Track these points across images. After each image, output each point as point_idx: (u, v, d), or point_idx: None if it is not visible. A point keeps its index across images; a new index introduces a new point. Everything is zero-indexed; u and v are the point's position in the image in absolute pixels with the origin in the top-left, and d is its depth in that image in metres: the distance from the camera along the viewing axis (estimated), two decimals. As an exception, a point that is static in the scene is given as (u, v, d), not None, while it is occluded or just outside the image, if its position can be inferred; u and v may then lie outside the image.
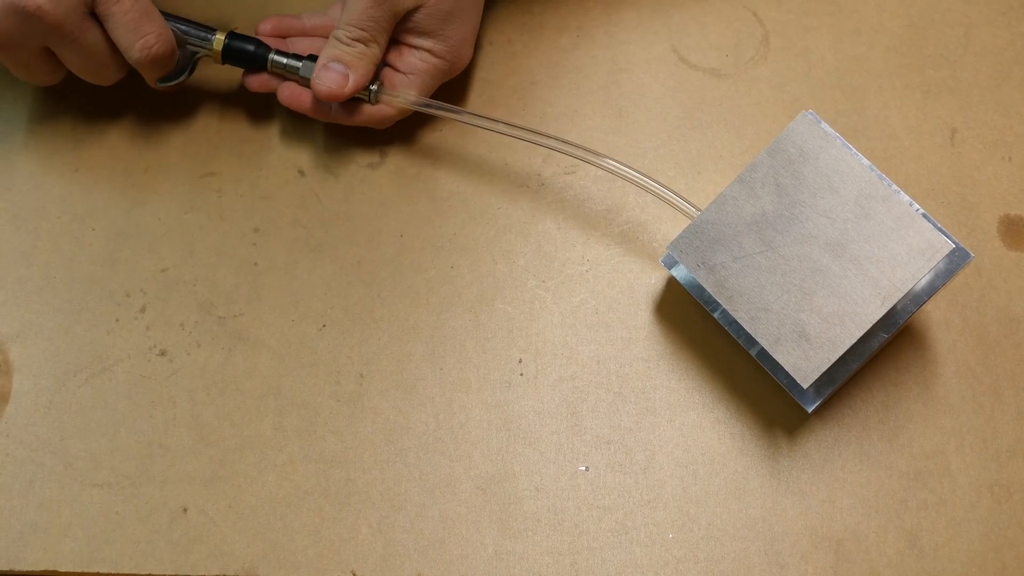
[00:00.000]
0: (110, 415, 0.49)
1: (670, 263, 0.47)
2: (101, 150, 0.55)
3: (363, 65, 0.50)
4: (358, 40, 0.49)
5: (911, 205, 0.43)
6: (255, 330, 0.50)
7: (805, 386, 0.43)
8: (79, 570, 0.46)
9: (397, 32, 0.51)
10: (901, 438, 0.48)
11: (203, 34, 0.52)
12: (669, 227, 0.52)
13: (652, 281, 0.51)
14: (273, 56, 0.52)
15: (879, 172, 0.44)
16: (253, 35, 0.53)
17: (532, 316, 0.50)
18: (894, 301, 0.42)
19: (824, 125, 0.44)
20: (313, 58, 0.51)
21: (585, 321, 0.50)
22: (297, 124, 0.55)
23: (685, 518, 0.46)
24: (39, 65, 0.49)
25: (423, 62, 0.51)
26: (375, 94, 0.51)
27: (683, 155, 0.54)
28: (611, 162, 0.48)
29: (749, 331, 0.43)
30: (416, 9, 0.50)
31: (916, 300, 0.45)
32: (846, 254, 0.43)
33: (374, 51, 0.50)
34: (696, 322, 0.50)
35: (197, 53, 0.52)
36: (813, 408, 0.45)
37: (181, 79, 0.52)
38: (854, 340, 0.42)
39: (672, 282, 0.51)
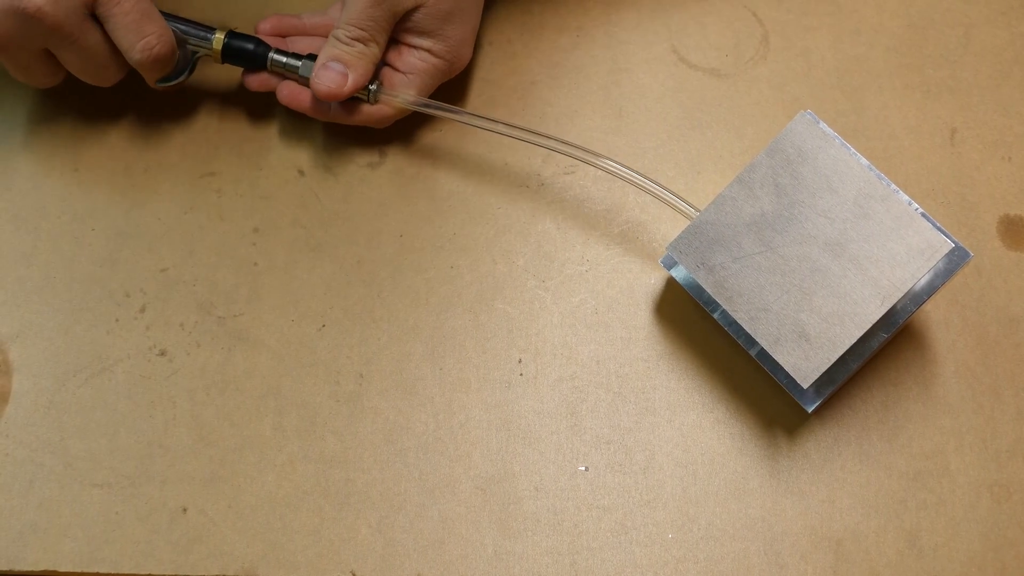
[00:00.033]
0: (110, 415, 0.49)
1: (669, 263, 0.47)
2: (101, 150, 0.55)
3: (362, 65, 0.50)
4: (357, 39, 0.49)
5: (910, 205, 0.43)
6: (255, 330, 0.50)
7: (805, 386, 0.43)
8: (79, 570, 0.46)
9: (397, 32, 0.51)
10: (901, 438, 0.48)
11: (203, 33, 0.52)
12: (669, 227, 0.52)
13: (652, 281, 0.51)
14: (273, 55, 0.52)
15: (878, 172, 0.44)
16: (253, 34, 0.53)
17: (532, 316, 0.50)
18: (894, 301, 0.42)
19: (823, 125, 0.44)
20: (313, 57, 0.51)
21: (585, 321, 0.50)
22: (297, 124, 0.55)
23: (685, 518, 0.46)
24: (39, 67, 0.49)
25: (422, 62, 0.51)
26: (374, 94, 0.51)
27: (683, 155, 0.54)
28: (610, 163, 0.48)
29: (749, 331, 0.43)
30: (415, 9, 0.50)
31: (916, 300, 0.45)
32: (845, 254, 0.43)
33: (373, 51, 0.50)
34: (696, 322, 0.50)
35: (197, 53, 0.52)
36: (813, 408, 0.45)
37: (181, 79, 0.52)
38: (854, 340, 0.42)
39: (672, 282, 0.51)
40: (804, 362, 0.43)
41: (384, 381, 0.49)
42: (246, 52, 0.52)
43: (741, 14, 0.57)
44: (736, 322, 0.44)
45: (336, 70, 0.50)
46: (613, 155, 0.49)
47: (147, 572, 0.46)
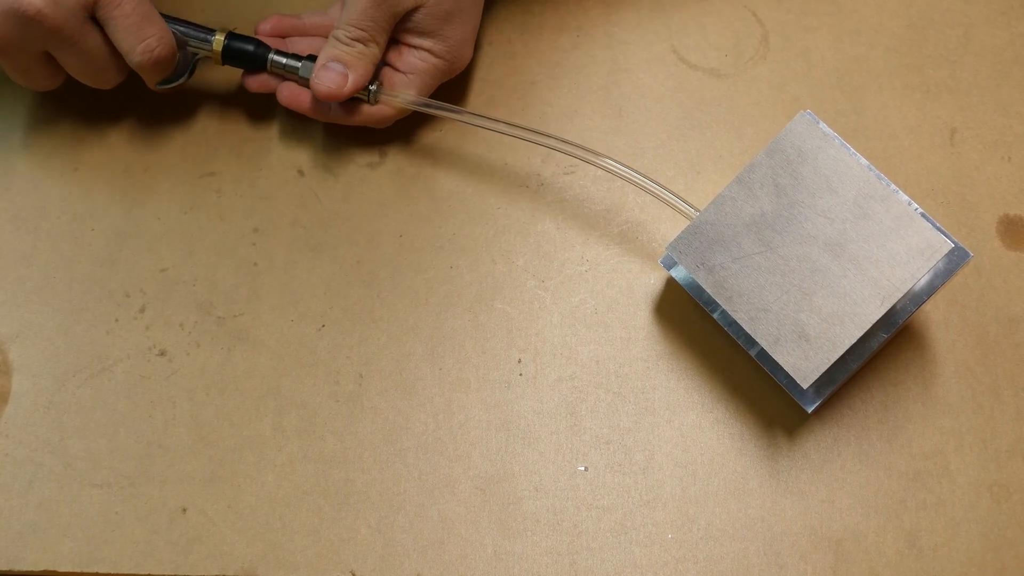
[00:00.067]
0: (109, 415, 0.49)
1: (669, 264, 0.47)
2: (101, 150, 0.55)
3: (362, 65, 0.50)
4: (357, 40, 0.49)
5: (910, 205, 0.43)
6: (254, 330, 0.50)
7: (805, 386, 0.43)
8: (78, 570, 0.46)
9: (397, 32, 0.51)
10: (900, 438, 0.48)
11: (202, 35, 0.52)
12: (668, 227, 0.52)
13: (651, 281, 0.51)
14: (272, 56, 0.52)
15: (878, 172, 0.44)
16: (253, 35, 0.53)
17: (531, 316, 0.50)
18: (894, 301, 0.42)
19: (822, 125, 0.44)
20: (313, 58, 0.51)
21: (584, 321, 0.50)
22: (296, 124, 0.55)
23: (684, 518, 0.46)
24: (39, 70, 0.49)
25: (423, 62, 0.51)
26: (374, 94, 0.51)
27: (682, 155, 0.54)
28: (610, 162, 0.48)
29: (749, 331, 0.43)
30: (416, 9, 0.50)
31: (915, 300, 0.45)
32: (845, 254, 0.43)
33: (373, 51, 0.50)
34: (695, 322, 0.50)
35: (197, 54, 0.52)
36: (813, 408, 0.45)
37: (181, 81, 0.52)
38: (854, 340, 0.42)
39: (671, 282, 0.51)
40: (804, 362, 0.43)
41: (384, 381, 0.49)
42: (246, 53, 0.52)
43: (741, 14, 0.57)
44: (736, 322, 0.44)
45: (336, 70, 0.50)
46: (613, 155, 0.49)
47: (147, 572, 0.46)
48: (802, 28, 0.56)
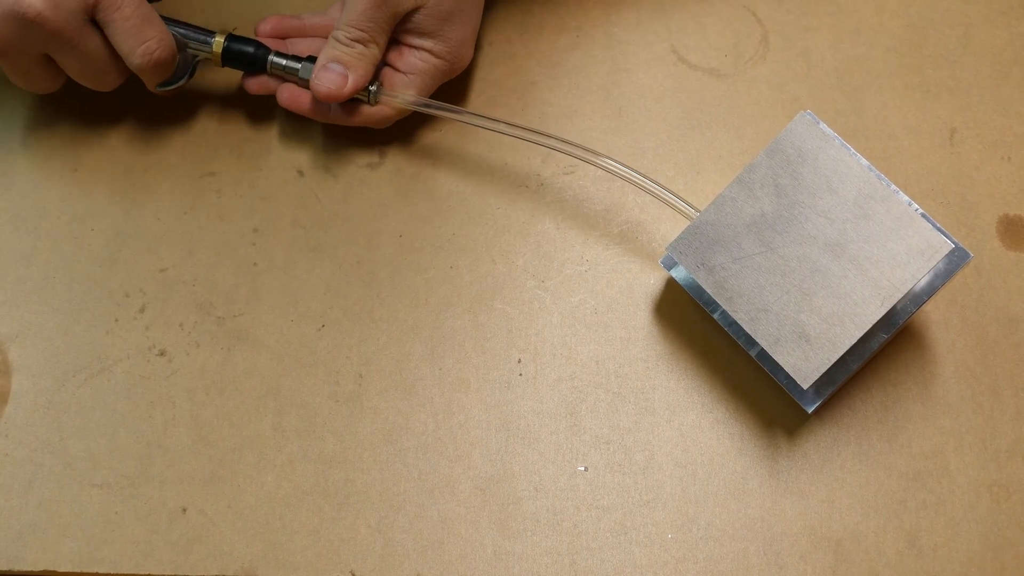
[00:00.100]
0: (109, 415, 0.49)
1: (669, 264, 0.47)
2: (101, 151, 0.55)
3: (362, 66, 0.50)
4: (357, 41, 0.49)
5: (910, 205, 0.43)
6: (254, 330, 0.50)
7: (805, 387, 0.43)
8: (78, 570, 0.46)
9: (397, 32, 0.51)
10: (900, 438, 0.48)
11: (202, 37, 0.52)
12: (668, 227, 0.52)
13: (651, 281, 0.51)
14: (272, 58, 0.52)
15: (878, 172, 0.44)
16: (252, 36, 0.53)
17: (531, 316, 0.50)
18: (894, 301, 0.42)
19: (822, 125, 0.44)
20: (312, 59, 0.51)
21: (584, 321, 0.50)
22: (296, 125, 0.55)
23: (684, 518, 0.46)
24: (39, 72, 0.49)
25: (423, 62, 0.51)
26: (374, 95, 0.51)
27: (682, 155, 0.54)
28: (610, 162, 0.48)
29: (749, 332, 0.43)
30: (416, 10, 0.50)
31: (915, 300, 0.45)
32: (845, 254, 0.43)
33: (373, 52, 0.50)
34: (695, 322, 0.50)
35: (197, 56, 0.52)
36: (813, 409, 0.45)
37: (181, 83, 0.52)
38: (854, 341, 0.42)
39: (671, 282, 0.51)
40: (804, 363, 0.43)
41: (383, 381, 0.49)
42: (246, 55, 0.52)
43: (741, 14, 0.57)
44: (736, 322, 0.44)
45: (336, 71, 0.50)
46: (613, 155, 0.49)
47: (146, 572, 0.46)
48: (802, 28, 0.56)
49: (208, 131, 0.55)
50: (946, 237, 0.43)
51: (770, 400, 0.48)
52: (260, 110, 0.55)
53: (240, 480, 0.48)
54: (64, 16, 0.46)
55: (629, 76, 0.56)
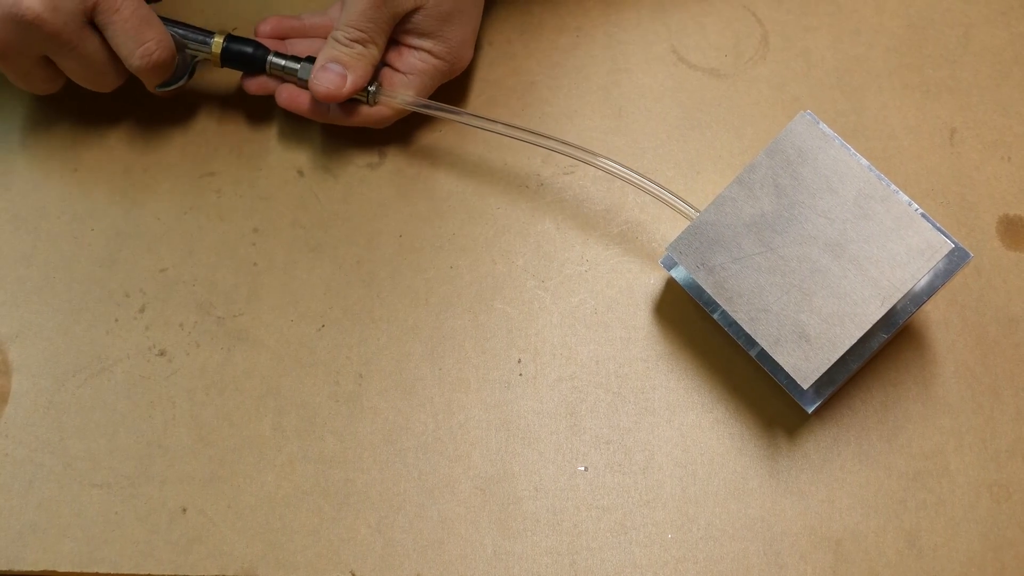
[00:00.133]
0: (109, 415, 0.49)
1: (669, 264, 0.47)
2: (100, 151, 0.55)
3: (361, 66, 0.50)
4: (356, 41, 0.49)
5: (910, 205, 0.43)
6: (254, 330, 0.50)
7: (805, 387, 0.43)
8: (78, 570, 0.46)
9: (396, 33, 0.51)
10: (900, 438, 0.48)
11: (201, 38, 0.52)
12: (668, 227, 0.52)
13: (651, 281, 0.51)
14: (271, 58, 0.52)
15: (878, 172, 0.44)
16: (252, 36, 0.53)
17: (531, 316, 0.50)
18: (894, 301, 0.42)
19: (822, 125, 0.44)
20: (311, 59, 0.51)
21: (584, 321, 0.50)
22: (296, 125, 0.55)
23: (684, 518, 0.46)
24: (39, 73, 0.49)
25: (423, 62, 0.51)
26: (373, 95, 0.51)
27: (682, 155, 0.54)
28: (610, 163, 0.48)
29: (749, 332, 0.43)
30: (416, 10, 0.50)
31: (915, 300, 0.45)
32: (845, 254, 0.43)
33: (372, 52, 0.50)
34: (695, 322, 0.50)
35: (196, 57, 0.52)
36: (813, 409, 0.45)
37: (181, 83, 0.52)
38: (854, 340, 0.42)
39: (671, 282, 0.51)
40: (804, 363, 0.43)
41: (383, 381, 0.49)
42: (245, 55, 0.52)
43: (741, 14, 0.57)
44: (736, 323, 0.44)
45: (335, 71, 0.50)
46: (613, 155, 0.49)
47: (146, 572, 0.46)
48: (802, 28, 0.56)
49: (208, 131, 0.55)
50: (946, 237, 0.43)
51: (770, 400, 0.48)
52: (259, 110, 0.55)
53: (240, 480, 0.48)
54: (63, 18, 0.46)
55: (629, 76, 0.56)
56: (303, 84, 0.51)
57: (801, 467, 0.47)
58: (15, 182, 0.54)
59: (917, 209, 0.43)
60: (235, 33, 0.52)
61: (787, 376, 0.44)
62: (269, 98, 0.54)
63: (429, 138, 0.55)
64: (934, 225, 0.43)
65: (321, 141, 0.55)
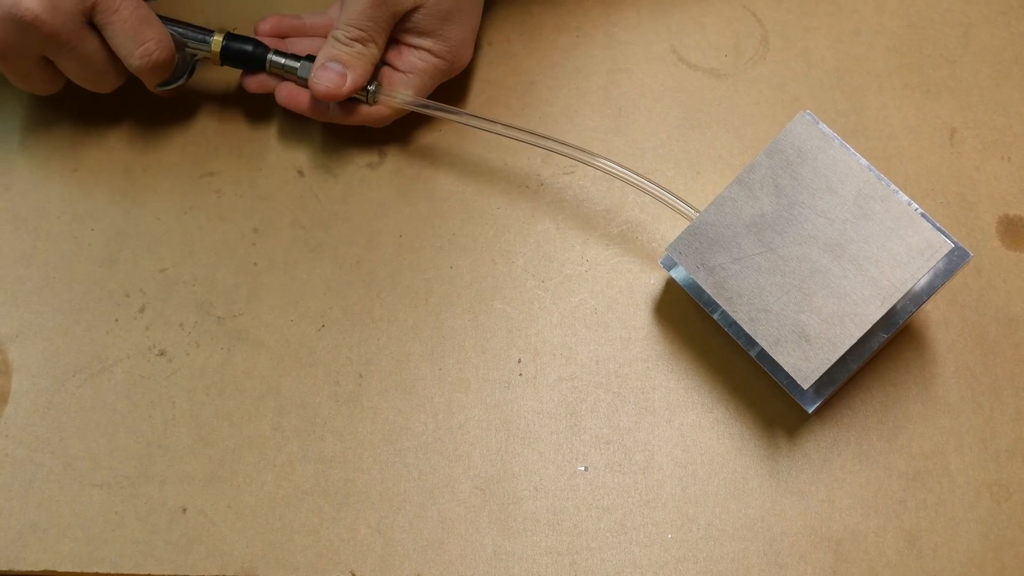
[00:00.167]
0: (109, 415, 0.49)
1: (669, 264, 0.47)
2: (100, 150, 0.55)
3: (361, 65, 0.50)
4: (356, 40, 0.49)
5: (910, 205, 0.43)
6: (254, 330, 0.50)
7: (806, 387, 0.43)
8: (78, 570, 0.46)
9: (396, 32, 0.51)
10: (900, 438, 0.48)
11: (201, 36, 0.52)
12: (668, 227, 0.52)
13: (651, 281, 0.51)
14: (271, 56, 0.52)
15: (877, 172, 0.44)
16: (251, 35, 0.53)
17: (531, 316, 0.50)
18: (894, 301, 0.42)
19: (822, 125, 0.44)
20: (311, 58, 0.51)
21: (584, 321, 0.50)
22: (296, 124, 0.55)
23: (684, 518, 0.46)
24: (38, 74, 0.49)
25: (422, 61, 0.51)
26: (373, 94, 0.51)
27: (682, 155, 0.54)
28: (609, 163, 0.48)
29: (749, 332, 0.43)
30: (415, 9, 0.50)
31: (915, 300, 0.45)
32: (845, 254, 0.43)
33: (372, 51, 0.50)
34: (695, 322, 0.50)
35: (196, 55, 0.52)
36: (813, 409, 0.45)
37: (181, 82, 0.52)
38: (854, 340, 0.42)
39: (671, 282, 0.51)
40: (804, 363, 0.43)
41: (384, 381, 0.49)
42: (244, 54, 0.52)
43: (741, 14, 0.57)
44: (736, 323, 0.44)
45: (335, 70, 0.50)
46: (612, 155, 0.49)
47: (147, 572, 0.46)
48: (802, 28, 0.56)
49: (208, 131, 0.55)
50: (946, 237, 0.43)
51: (770, 400, 0.48)
52: (259, 110, 0.55)
53: (240, 480, 0.48)
54: (62, 19, 0.46)
55: (629, 76, 0.56)
56: (303, 83, 0.51)
57: (801, 467, 0.47)
58: (15, 182, 0.54)
59: (917, 209, 0.43)
60: (234, 32, 0.52)
61: (787, 376, 0.44)
62: (269, 98, 0.54)
63: (429, 138, 0.55)
64: (934, 225, 0.43)
65: (321, 141, 0.55)
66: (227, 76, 0.56)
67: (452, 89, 0.55)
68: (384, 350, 0.50)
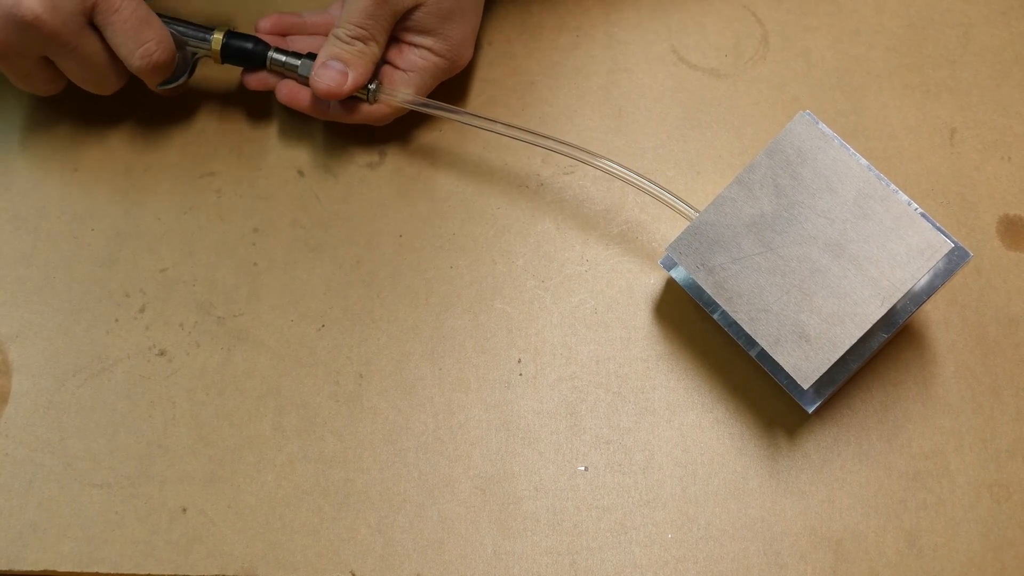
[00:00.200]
0: (109, 415, 0.49)
1: (669, 264, 0.47)
2: (100, 150, 0.55)
3: (362, 63, 0.50)
4: (357, 38, 0.49)
5: (910, 205, 0.43)
6: (254, 330, 0.50)
7: (806, 387, 0.43)
8: (78, 570, 0.46)
9: (397, 30, 0.51)
10: (900, 438, 0.48)
11: (201, 35, 0.52)
12: (668, 227, 0.52)
13: (651, 281, 0.51)
14: (272, 54, 0.52)
15: (878, 172, 0.44)
16: (252, 33, 0.53)
17: (531, 316, 0.50)
18: (894, 301, 0.42)
19: (822, 125, 0.44)
20: (312, 56, 0.51)
21: (584, 321, 0.50)
22: (296, 124, 0.55)
23: (684, 518, 0.46)
24: (39, 74, 0.49)
25: (423, 60, 0.51)
26: (373, 93, 0.51)
27: (682, 155, 0.54)
28: (609, 163, 0.48)
29: (749, 332, 0.43)
30: (416, 7, 0.50)
31: (915, 300, 0.45)
32: (845, 254, 0.43)
33: (373, 50, 0.50)
34: (695, 322, 0.50)
35: (196, 54, 0.52)
36: (813, 409, 0.45)
37: (182, 81, 0.52)
38: (854, 340, 0.42)
39: (671, 282, 0.51)
40: (804, 363, 0.43)
41: (384, 381, 0.49)
42: (245, 51, 0.52)
43: (741, 14, 0.57)
44: (736, 323, 0.44)
45: (336, 69, 0.50)
46: (612, 155, 0.49)
47: (147, 572, 0.46)
48: (802, 28, 0.56)
49: (208, 131, 0.55)
50: (946, 237, 0.43)
51: (770, 400, 0.48)
52: (260, 110, 0.55)
53: (240, 480, 0.48)
54: (62, 19, 0.46)
55: (629, 76, 0.56)
56: (303, 81, 0.51)
57: (801, 467, 0.47)
58: (15, 182, 0.54)
59: (917, 209, 0.43)
60: (234, 30, 0.52)
61: (787, 376, 0.44)
62: (269, 98, 0.54)
63: (429, 138, 0.55)
64: (934, 225, 0.43)
65: (321, 141, 0.55)
66: (227, 76, 0.56)
67: (452, 88, 0.55)
68: (384, 350, 0.50)
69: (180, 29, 0.51)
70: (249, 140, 0.55)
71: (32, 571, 0.46)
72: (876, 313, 0.42)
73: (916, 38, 0.56)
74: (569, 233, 0.52)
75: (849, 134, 0.53)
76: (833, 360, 0.42)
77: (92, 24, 0.48)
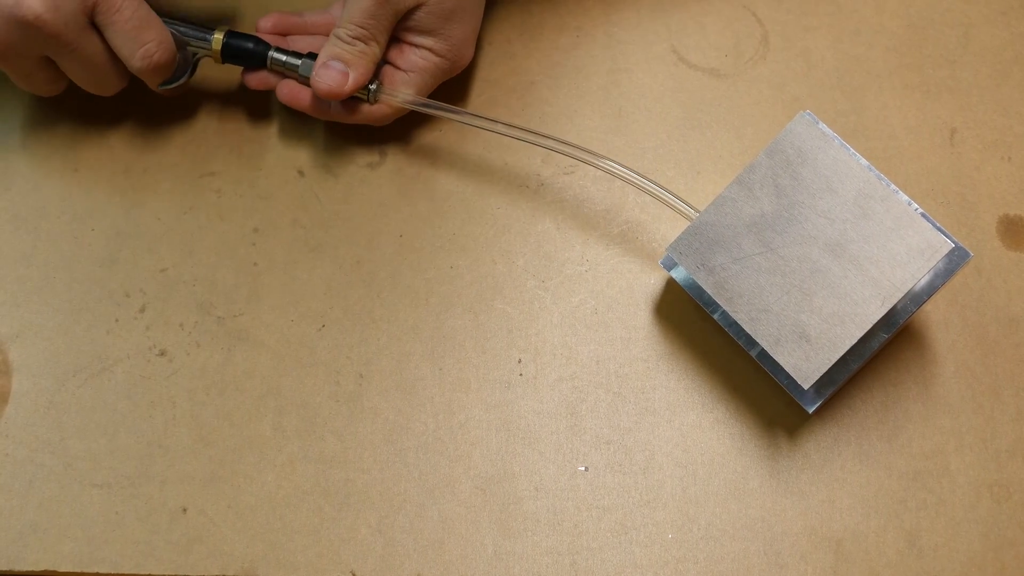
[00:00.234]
0: (109, 415, 0.49)
1: (669, 264, 0.47)
2: (100, 150, 0.55)
3: (363, 64, 0.50)
4: (358, 39, 0.49)
5: (910, 205, 0.43)
6: (254, 330, 0.50)
7: (806, 387, 0.43)
8: (79, 570, 0.46)
9: (398, 30, 0.51)
10: (900, 438, 0.48)
11: (202, 34, 0.52)
12: (668, 227, 0.52)
13: (651, 281, 0.51)
14: (272, 54, 0.52)
15: (878, 172, 0.44)
16: (253, 33, 0.53)
17: (531, 316, 0.50)
18: (894, 301, 0.42)
19: (822, 125, 0.44)
20: (313, 56, 0.51)
21: (584, 321, 0.50)
22: (296, 124, 0.55)
23: (684, 518, 0.46)
24: (40, 74, 0.49)
25: (424, 60, 0.51)
26: (374, 93, 0.51)
27: (682, 155, 0.54)
28: (610, 163, 0.48)
29: (749, 332, 0.43)
30: (417, 7, 0.50)
31: (916, 300, 0.45)
32: (846, 254, 0.43)
33: (374, 50, 0.50)
34: (695, 322, 0.50)
35: (197, 54, 0.52)
36: (813, 409, 0.45)
37: (183, 80, 0.52)
38: (855, 340, 0.42)
39: (671, 282, 0.51)
40: (805, 363, 0.43)
41: (384, 381, 0.49)
42: (245, 51, 0.52)
43: (741, 14, 0.57)
44: (736, 323, 0.44)
45: (337, 69, 0.50)
46: (613, 155, 0.49)
47: (147, 572, 0.46)
48: (802, 28, 0.56)
49: (208, 131, 0.55)
50: (946, 237, 0.43)
51: (770, 400, 0.48)
52: (260, 110, 0.55)
53: (240, 480, 0.48)
54: (63, 19, 0.46)
55: (629, 76, 0.56)
56: (304, 80, 0.51)
57: (801, 467, 0.47)
58: (15, 182, 0.54)
59: (917, 209, 0.43)
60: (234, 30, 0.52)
61: (787, 376, 0.44)
62: (269, 97, 0.54)
63: (429, 138, 0.55)
64: (934, 225, 0.43)
65: (322, 141, 0.55)
66: (227, 76, 0.56)
67: (452, 89, 0.55)
68: (384, 350, 0.50)
69: (181, 29, 0.51)
70: (249, 140, 0.55)
71: (32, 571, 0.46)
72: (876, 313, 0.42)
73: (916, 38, 0.56)
74: (569, 233, 0.52)
75: (849, 134, 0.53)
76: (833, 360, 0.42)
77: (93, 24, 0.48)
